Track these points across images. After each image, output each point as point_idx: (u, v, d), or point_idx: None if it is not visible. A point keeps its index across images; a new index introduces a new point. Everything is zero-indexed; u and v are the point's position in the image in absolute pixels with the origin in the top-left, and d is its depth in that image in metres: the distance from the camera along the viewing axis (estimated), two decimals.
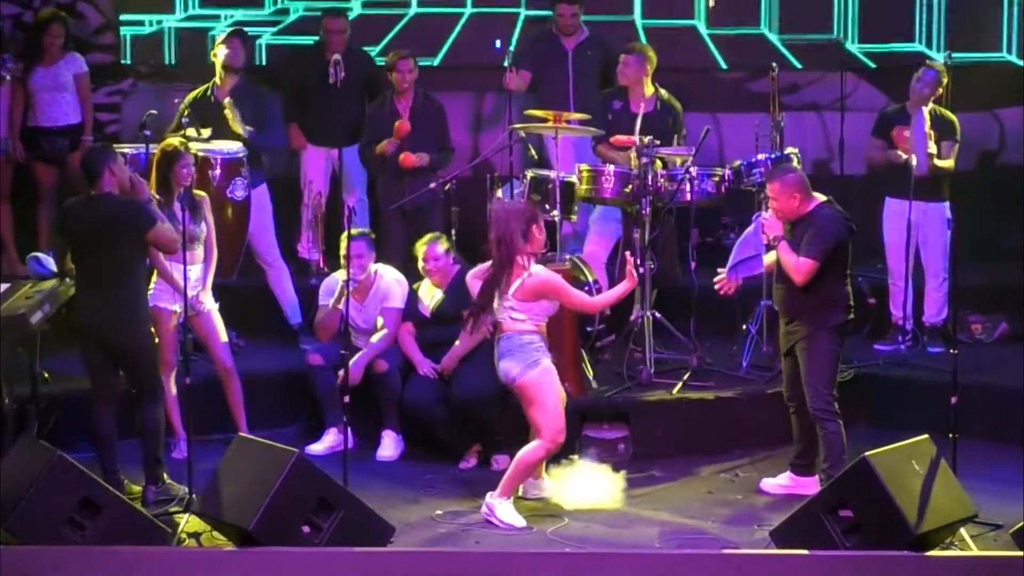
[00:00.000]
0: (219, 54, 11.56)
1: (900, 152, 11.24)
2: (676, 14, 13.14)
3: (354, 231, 10.14)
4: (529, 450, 9.23)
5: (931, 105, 11.35)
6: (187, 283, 9.52)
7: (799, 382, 9.41)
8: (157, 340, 9.68)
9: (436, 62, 13.11)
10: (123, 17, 13.08)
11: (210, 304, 10.20)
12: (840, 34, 13.00)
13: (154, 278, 9.98)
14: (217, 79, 11.54)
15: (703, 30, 13.12)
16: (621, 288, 9.39)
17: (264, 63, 13.05)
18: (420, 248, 10.48)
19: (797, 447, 9.67)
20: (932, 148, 11.22)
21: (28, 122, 11.88)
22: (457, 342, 10.26)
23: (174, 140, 10.23)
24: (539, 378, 9.18)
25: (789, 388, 9.58)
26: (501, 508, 9.16)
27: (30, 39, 12.19)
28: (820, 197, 9.40)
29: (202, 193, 10.27)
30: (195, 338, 10.11)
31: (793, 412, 9.59)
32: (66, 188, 11.77)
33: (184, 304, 9.52)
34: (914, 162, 11.08)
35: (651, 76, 11.50)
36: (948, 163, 11.32)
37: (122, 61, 13.09)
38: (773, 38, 13.05)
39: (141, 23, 13.14)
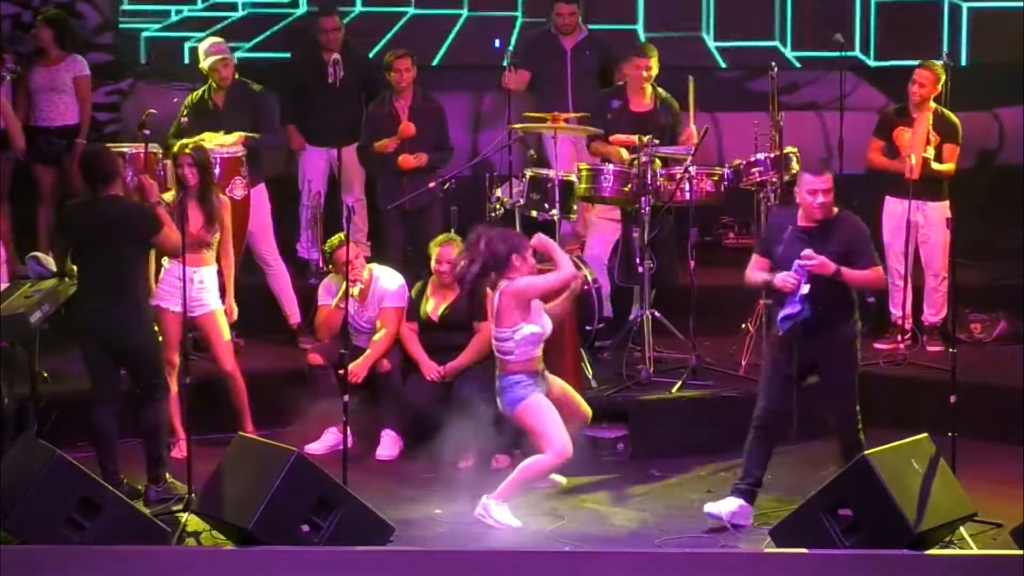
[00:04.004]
0: (216, 71, 11.46)
1: (900, 150, 11.24)
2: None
3: (343, 236, 9.94)
4: (536, 460, 9.20)
5: (934, 105, 11.34)
6: (186, 283, 9.52)
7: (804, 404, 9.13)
8: (161, 339, 9.71)
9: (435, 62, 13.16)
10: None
11: (215, 304, 10.19)
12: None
13: (162, 275, 10.02)
14: (212, 83, 11.53)
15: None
16: (563, 266, 9.24)
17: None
18: (434, 249, 10.42)
19: (758, 474, 9.21)
20: (929, 152, 11.20)
21: (27, 122, 11.88)
22: (463, 353, 10.28)
23: (176, 143, 10.31)
24: (524, 413, 9.20)
25: (784, 416, 9.10)
26: (496, 509, 9.13)
27: (29, 38, 12.20)
28: None
29: (224, 196, 10.30)
30: (197, 338, 10.12)
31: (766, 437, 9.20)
32: (64, 188, 11.78)
33: (183, 303, 9.51)
34: (912, 161, 11.08)
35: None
36: (948, 167, 11.29)
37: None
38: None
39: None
